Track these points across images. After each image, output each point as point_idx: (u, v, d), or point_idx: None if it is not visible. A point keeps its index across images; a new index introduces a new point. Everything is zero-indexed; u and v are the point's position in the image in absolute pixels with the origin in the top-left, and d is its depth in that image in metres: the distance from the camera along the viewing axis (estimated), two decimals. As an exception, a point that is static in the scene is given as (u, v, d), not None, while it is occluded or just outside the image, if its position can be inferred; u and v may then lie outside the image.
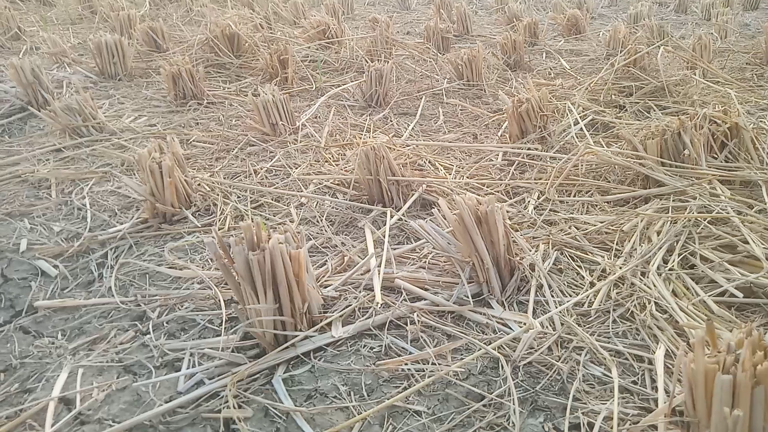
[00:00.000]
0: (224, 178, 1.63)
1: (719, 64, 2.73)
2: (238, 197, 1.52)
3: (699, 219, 1.23)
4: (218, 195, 1.51)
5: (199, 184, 1.55)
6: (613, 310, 1.04)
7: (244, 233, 0.92)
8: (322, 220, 1.40)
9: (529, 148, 1.73)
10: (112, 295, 1.12)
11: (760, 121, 1.72)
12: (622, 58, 2.34)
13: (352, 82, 2.55)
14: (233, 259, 0.92)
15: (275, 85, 2.42)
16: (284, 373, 0.92)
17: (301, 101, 2.40)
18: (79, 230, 1.36)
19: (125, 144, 1.88)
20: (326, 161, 1.74)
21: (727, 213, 1.23)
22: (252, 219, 1.38)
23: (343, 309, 1.04)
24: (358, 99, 2.38)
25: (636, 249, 1.19)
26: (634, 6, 4.26)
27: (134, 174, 1.65)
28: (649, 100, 2.17)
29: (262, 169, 1.69)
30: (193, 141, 1.93)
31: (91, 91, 2.46)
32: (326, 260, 1.23)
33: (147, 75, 2.72)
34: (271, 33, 3.25)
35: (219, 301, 1.06)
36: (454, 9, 3.93)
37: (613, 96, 2.23)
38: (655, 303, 1.02)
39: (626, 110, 2.13)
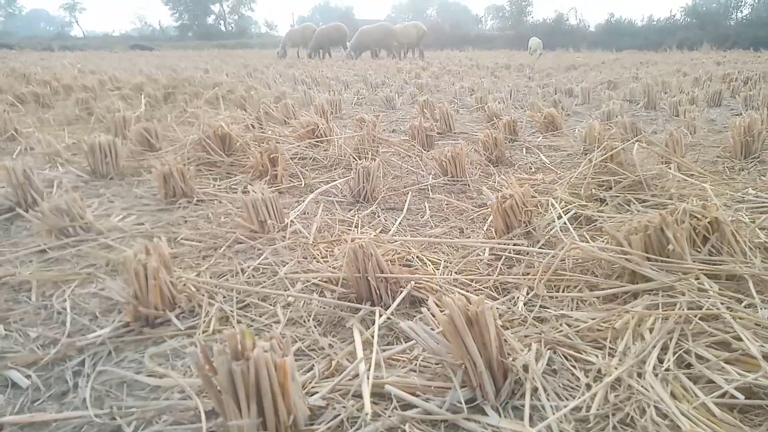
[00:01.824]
0: (210, 278, 1.61)
1: (692, 158, 2.84)
2: (224, 297, 1.50)
3: (690, 316, 1.22)
4: (204, 295, 1.49)
5: (184, 285, 1.53)
6: (612, 414, 1.00)
7: (228, 342, 0.89)
8: (309, 321, 1.37)
9: (515, 244, 1.75)
10: (86, 408, 1.06)
11: (738, 214, 1.77)
12: (599, 153, 2.44)
13: (340, 178, 2.61)
14: (216, 370, 0.88)
15: (265, 182, 2.47)
16: (267, 494, 0.86)
17: (291, 198, 2.43)
18: (56, 336, 1.31)
19: (112, 244, 1.87)
20: (314, 258, 1.73)
21: (718, 309, 1.23)
22: (236, 325, 1.35)
23: (331, 420, 0.99)
24: (346, 195, 2.42)
25: (630, 347, 1.17)
26: (606, 104, 4.51)
27: (118, 275, 1.63)
28: (628, 193, 2.24)
29: (249, 267, 1.68)
30: (181, 239, 1.92)
31: (82, 190, 2.49)
32: (313, 364, 1.18)
33: (139, 174, 2.76)
34: (262, 132, 3.36)
35: (200, 412, 1.00)
36: (437, 108, 4.13)
37: (593, 190, 2.29)
38: (655, 407, 0.99)
39: (607, 204, 2.18)
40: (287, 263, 1.70)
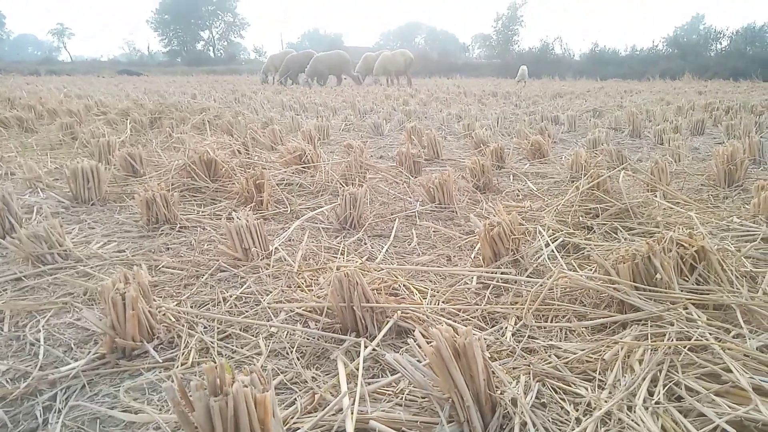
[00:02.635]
0: (191, 307, 1.57)
1: (677, 186, 2.87)
2: (205, 328, 1.46)
3: (679, 346, 1.21)
4: (183, 326, 1.44)
5: (164, 315, 1.48)
6: (603, 450, 0.97)
7: (206, 375, 0.86)
8: (292, 352, 1.33)
9: (503, 272, 1.73)
10: (56, 446, 1.01)
11: (724, 243, 1.77)
12: (586, 181, 2.45)
13: (327, 205, 2.59)
14: (193, 406, 0.84)
15: (250, 208, 2.44)
16: None
17: (276, 224, 2.41)
18: (28, 369, 1.26)
19: (91, 272, 1.82)
20: (299, 287, 1.70)
21: (707, 339, 1.21)
22: (216, 357, 1.30)
23: (313, 458, 0.95)
24: (332, 222, 2.40)
25: (619, 379, 1.14)
26: (591, 132, 4.56)
27: (96, 304, 1.58)
28: (615, 221, 2.24)
29: (231, 296, 1.64)
30: (162, 267, 1.88)
31: (62, 216, 2.44)
32: (295, 399, 1.14)
33: (121, 200, 2.72)
34: (248, 158, 3.34)
35: (175, 451, 0.96)
36: (425, 135, 4.14)
37: (580, 218, 2.29)
38: (646, 442, 0.96)
39: (594, 232, 2.18)
40: (271, 292, 1.66)
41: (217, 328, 1.45)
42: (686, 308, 1.37)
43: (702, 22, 45.85)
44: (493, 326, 1.45)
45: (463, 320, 1.48)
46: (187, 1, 67.17)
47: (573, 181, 2.87)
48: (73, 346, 1.38)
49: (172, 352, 1.34)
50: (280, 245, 2.05)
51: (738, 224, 2.11)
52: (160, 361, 1.29)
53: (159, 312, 1.46)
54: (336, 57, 18.24)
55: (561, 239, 2.01)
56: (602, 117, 6.90)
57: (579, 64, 34.45)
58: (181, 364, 1.28)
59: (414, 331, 1.31)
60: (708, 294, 1.43)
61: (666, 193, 2.57)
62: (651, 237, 1.66)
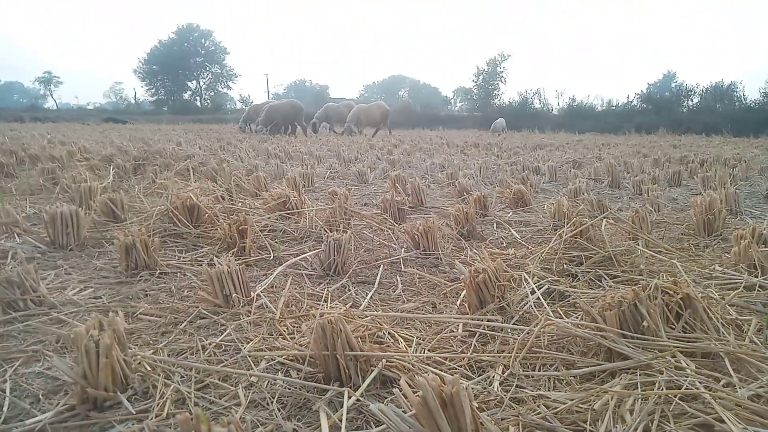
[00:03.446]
0: (168, 356, 1.51)
1: (658, 235, 2.90)
2: (182, 377, 1.40)
3: (669, 396, 1.18)
4: (159, 375, 1.38)
5: (139, 363, 1.42)
6: (597, 506, 0.93)
7: (181, 427, 0.81)
8: (272, 403, 1.28)
9: (489, 319, 1.71)
10: (15, 507, 0.94)
11: (708, 291, 1.78)
12: (569, 229, 2.47)
13: (310, 251, 2.57)
14: (165, 460, 0.79)
15: (232, 254, 2.41)
16: None
17: (259, 270, 2.37)
18: (-9, 422, 1.19)
19: (64, 318, 1.76)
20: (281, 335, 1.65)
21: (697, 388, 1.19)
22: (192, 408, 1.25)
23: None
24: (316, 268, 2.37)
25: (611, 430, 1.11)
26: (572, 182, 4.65)
27: (68, 352, 1.52)
28: (599, 269, 2.25)
29: (210, 344, 1.59)
30: (140, 314, 1.82)
31: (38, 261, 2.38)
32: (275, 452, 1.09)
33: (100, 245, 2.67)
34: (232, 204, 3.32)
35: None
36: (409, 183, 4.18)
37: (564, 265, 2.29)
38: (642, 497, 0.92)
39: (579, 279, 2.18)
40: (251, 340, 1.61)
41: (195, 377, 1.39)
42: (674, 356, 1.35)
43: (674, 80, 47.89)
44: (480, 375, 1.42)
45: (449, 369, 1.45)
46: (176, 53, 68.47)
47: (556, 229, 2.89)
48: (41, 397, 1.31)
49: (146, 403, 1.28)
50: (262, 292, 2.01)
51: (720, 272, 2.13)
52: (134, 412, 1.23)
53: (134, 360, 1.40)
54: (289, 106, 18.36)
55: (546, 286, 2.01)
56: (582, 168, 7.05)
57: (557, 118, 35.50)
58: (156, 416, 1.22)
59: (399, 380, 1.27)
60: (696, 342, 1.42)
61: (648, 241, 2.59)
62: (635, 284, 1.66)
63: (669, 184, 5.51)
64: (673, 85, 43.42)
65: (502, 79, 50.56)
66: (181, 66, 69.15)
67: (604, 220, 2.63)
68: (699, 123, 25.82)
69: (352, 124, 19.21)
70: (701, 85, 34.79)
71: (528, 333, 1.54)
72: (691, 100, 34.60)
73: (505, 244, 2.86)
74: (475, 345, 1.59)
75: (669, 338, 1.43)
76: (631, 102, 36.12)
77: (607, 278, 2.16)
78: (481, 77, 50.86)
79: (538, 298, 1.84)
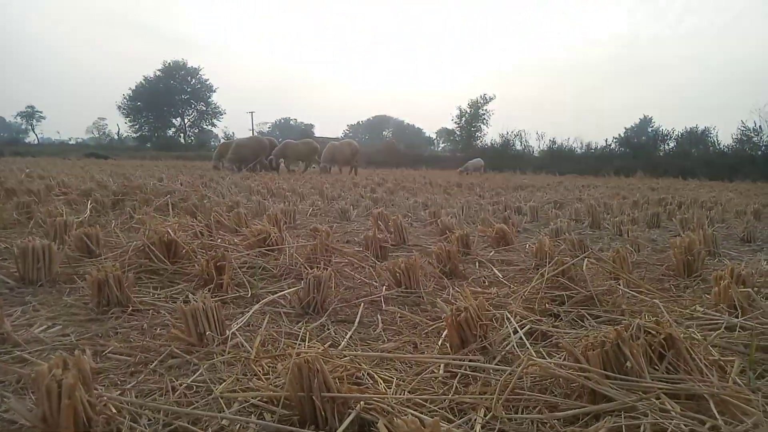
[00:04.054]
0: (136, 397, 1.44)
1: (639, 275, 2.91)
2: (149, 420, 1.33)
3: (655, 439, 1.15)
4: (125, 418, 1.31)
5: (104, 405, 1.35)
6: None
7: (141, 475, 0.76)
8: (244, 448, 1.21)
9: (471, 359, 1.67)
10: None
11: (690, 331, 1.76)
12: (551, 268, 2.46)
13: (289, 288, 2.52)
14: None
15: (208, 291, 2.35)
16: None
17: (235, 308, 2.30)
18: (-62, 469, 1.11)
19: (28, 357, 1.68)
20: (255, 375, 1.59)
21: (682, 431, 1.16)
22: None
23: None
24: (295, 306, 2.31)
25: (596, 477, 1.07)
26: (553, 222, 4.68)
27: (29, 393, 1.44)
28: (581, 308, 2.23)
29: (181, 385, 1.52)
30: (109, 353, 1.75)
31: (4, 297, 2.29)
32: (244, 502, 1.02)
33: (72, 281, 2.58)
34: (211, 240, 3.27)
35: None
36: (391, 221, 4.17)
37: (546, 305, 2.27)
38: None
39: (561, 319, 2.16)
40: (224, 380, 1.55)
41: (163, 420, 1.32)
42: (659, 398, 1.32)
43: (650, 125, 49.30)
44: (461, 417, 1.37)
45: (430, 411, 1.40)
46: (162, 90, 68.91)
47: (538, 269, 2.88)
48: (-5, 442, 1.23)
49: (108, 449, 1.20)
50: (237, 330, 1.95)
51: (701, 313, 2.12)
52: (94, 459, 1.16)
53: (99, 402, 1.33)
54: (254, 143, 18.48)
55: (529, 326, 1.98)
56: (563, 208, 7.13)
57: (538, 160, 36.21)
58: (118, 463, 1.14)
59: (378, 423, 1.22)
60: (680, 383, 1.39)
61: (629, 281, 2.59)
62: (618, 324, 1.64)
63: (648, 225, 5.58)
64: (649, 129, 44.71)
65: (484, 120, 51.64)
66: (166, 103, 69.50)
67: (586, 259, 2.64)
68: (676, 166, 26.52)
69: (326, 163, 19.35)
70: (677, 130, 35.88)
71: (510, 374, 1.51)
72: (668, 144, 35.59)
73: (487, 283, 2.84)
74: (456, 386, 1.55)
75: (653, 379, 1.41)
76: (610, 145, 37.03)
77: (590, 318, 2.14)
78: (463, 119, 51.90)
79: (521, 338, 1.81)
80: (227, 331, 1.90)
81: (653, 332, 1.50)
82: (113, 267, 2.23)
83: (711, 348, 1.69)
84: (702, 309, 2.18)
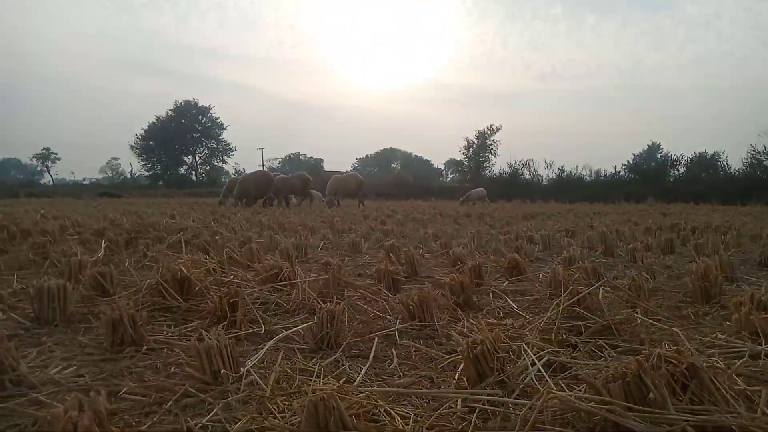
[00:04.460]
0: (151, 438, 1.43)
1: (656, 303, 2.86)
2: (164, 462, 1.31)
3: (684, 474, 1.11)
4: (140, 460, 1.30)
5: (119, 447, 1.34)
6: None
7: None
8: (261, 490, 1.19)
9: (489, 393, 1.64)
10: None
11: (713, 360, 1.72)
12: (566, 298, 2.43)
13: (303, 324, 2.50)
14: None
15: (222, 328, 2.34)
16: None
17: (249, 345, 2.29)
18: None
19: (44, 399, 1.67)
20: (270, 413, 1.57)
21: (712, 466, 1.13)
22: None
23: None
24: (308, 342, 2.30)
25: None
26: (566, 251, 4.64)
27: (44, 436, 1.42)
28: (599, 338, 2.19)
29: (196, 425, 1.50)
30: (124, 393, 1.74)
31: (20, 338, 2.30)
32: None
33: (87, 320, 2.59)
34: (223, 276, 3.27)
35: None
36: (403, 252, 4.16)
37: (564, 335, 2.24)
38: None
39: (579, 349, 2.12)
40: (239, 420, 1.53)
41: (178, 462, 1.30)
42: (685, 431, 1.29)
43: (659, 151, 49.26)
44: (482, 455, 1.34)
45: (449, 449, 1.37)
46: (173, 129, 70.23)
47: (553, 298, 2.85)
48: (10, 487, 1.21)
49: (123, 493, 1.19)
50: (252, 367, 1.93)
51: (723, 340, 2.08)
52: (109, 503, 1.14)
53: (114, 444, 1.32)
54: (262, 178, 18.33)
55: (546, 358, 1.94)
56: (575, 237, 7.08)
57: (547, 188, 36.22)
58: (133, 507, 1.13)
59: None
60: (705, 415, 1.35)
61: (647, 309, 2.55)
62: (638, 354, 1.61)
63: (662, 251, 5.52)
64: (658, 155, 44.67)
65: (492, 150, 51.91)
66: (178, 141, 70.73)
67: (601, 288, 2.60)
68: (686, 191, 26.41)
69: (332, 195, 19.30)
70: (686, 155, 35.84)
71: (530, 408, 1.47)
72: (677, 170, 35.50)
73: (502, 314, 2.81)
74: (475, 422, 1.52)
75: (677, 411, 1.37)
76: (619, 172, 37.00)
77: (608, 348, 2.10)
78: (471, 149, 52.22)
79: (539, 370, 1.77)
80: (241, 369, 1.88)
81: (675, 362, 1.47)
82: (127, 306, 2.23)
83: (736, 377, 1.65)
84: (723, 336, 2.13)
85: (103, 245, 4.65)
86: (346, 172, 30.33)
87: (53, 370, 1.93)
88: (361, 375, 1.92)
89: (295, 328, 2.43)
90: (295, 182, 19.33)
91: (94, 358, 2.09)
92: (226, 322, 2.46)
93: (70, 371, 1.94)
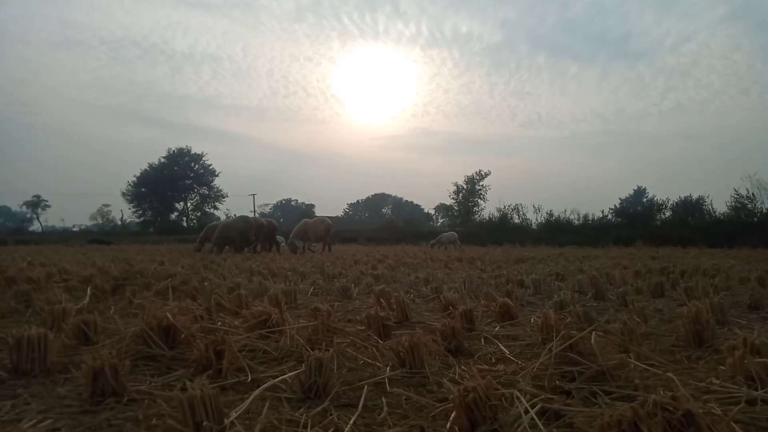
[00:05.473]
0: (128, 497, 1.36)
1: (649, 347, 2.83)
2: None
3: None
4: None
5: (93, 507, 1.27)
6: None
7: None
8: None
9: (481, 444, 1.59)
10: None
11: (709, 406, 1.69)
12: (558, 343, 2.40)
13: (291, 372, 2.44)
14: None
15: (207, 377, 2.27)
16: None
17: (235, 394, 2.22)
18: None
19: (15, 455, 1.59)
20: (255, 468, 1.51)
21: None
22: None
23: None
24: (296, 390, 2.23)
25: None
26: (557, 294, 4.62)
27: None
28: (593, 384, 2.15)
29: (176, 481, 1.43)
30: (101, 447, 1.66)
31: (-5, 390, 2.22)
32: None
33: (67, 370, 2.51)
34: (210, 323, 3.21)
35: None
36: (393, 298, 4.12)
37: (557, 381, 2.20)
38: None
39: (573, 396, 2.08)
40: (222, 475, 1.46)
41: None
42: (684, 481, 1.25)
43: (645, 195, 50.01)
44: None
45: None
46: (166, 176, 70.45)
47: (545, 343, 2.81)
48: None
49: None
50: (236, 419, 1.87)
51: (718, 386, 2.05)
52: None
53: (88, 503, 1.25)
54: (241, 223, 17.58)
55: (540, 405, 1.90)
56: (565, 280, 7.07)
57: (537, 232, 36.44)
58: None
59: None
60: (704, 464, 1.32)
61: (640, 354, 2.52)
62: (633, 401, 1.58)
63: (652, 295, 5.50)
64: (644, 199, 45.32)
65: (481, 195, 52.43)
66: (170, 188, 70.84)
67: (594, 332, 2.58)
68: (674, 235, 26.63)
69: (298, 239, 18.25)
70: (671, 199, 36.40)
71: (524, 458, 1.43)
72: (664, 213, 35.96)
73: (494, 360, 2.76)
74: (467, 474, 1.46)
75: (675, 460, 1.33)
76: (607, 216, 37.37)
77: (602, 394, 2.06)
78: (460, 194, 52.71)
79: (533, 418, 1.73)
80: (225, 420, 1.82)
81: (671, 408, 1.44)
82: (109, 355, 2.17)
83: (733, 424, 1.61)
84: (718, 381, 2.10)
85: (88, 292, 4.57)
86: (336, 216, 30.33)
87: (27, 424, 1.85)
88: (349, 425, 1.86)
89: (283, 377, 2.36)
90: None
91: (72, 410, 2.01)
92: (211, 371, 2.39)
93: (46, 424, 1.86)
